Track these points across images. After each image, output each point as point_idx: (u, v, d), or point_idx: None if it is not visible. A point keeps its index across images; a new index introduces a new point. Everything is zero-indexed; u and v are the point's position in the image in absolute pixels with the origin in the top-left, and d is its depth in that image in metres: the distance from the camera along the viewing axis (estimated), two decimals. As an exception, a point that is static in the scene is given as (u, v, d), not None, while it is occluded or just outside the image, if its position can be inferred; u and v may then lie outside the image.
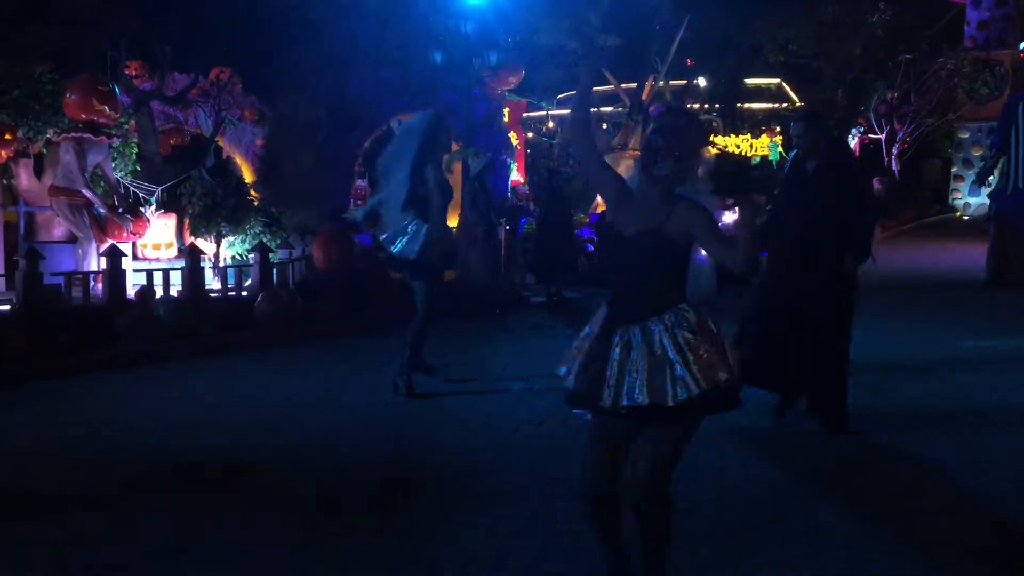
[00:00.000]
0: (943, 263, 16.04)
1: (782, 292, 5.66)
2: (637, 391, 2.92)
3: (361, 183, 18.55)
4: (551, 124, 31.69)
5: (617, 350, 2.99)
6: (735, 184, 3.24)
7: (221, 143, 15.52)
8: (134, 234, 11.64)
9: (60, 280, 9.77)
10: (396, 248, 6.53)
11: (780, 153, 24.93)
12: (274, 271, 11.16)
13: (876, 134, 32.50)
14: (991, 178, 13.61)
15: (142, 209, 12.15)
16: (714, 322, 3.03)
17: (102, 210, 11.10)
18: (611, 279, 3.20)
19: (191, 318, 9.35)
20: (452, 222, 12.32)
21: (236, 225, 12.32)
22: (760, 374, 5.50)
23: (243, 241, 12.49)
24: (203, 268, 10.77)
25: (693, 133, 3.10)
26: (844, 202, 5.61)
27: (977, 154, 28.74)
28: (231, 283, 11.27)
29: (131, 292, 10.15)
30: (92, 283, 10.33)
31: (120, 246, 10.51)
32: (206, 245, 12.15)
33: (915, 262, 16.96)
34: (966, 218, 27.59)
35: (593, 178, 3.41)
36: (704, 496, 4.47)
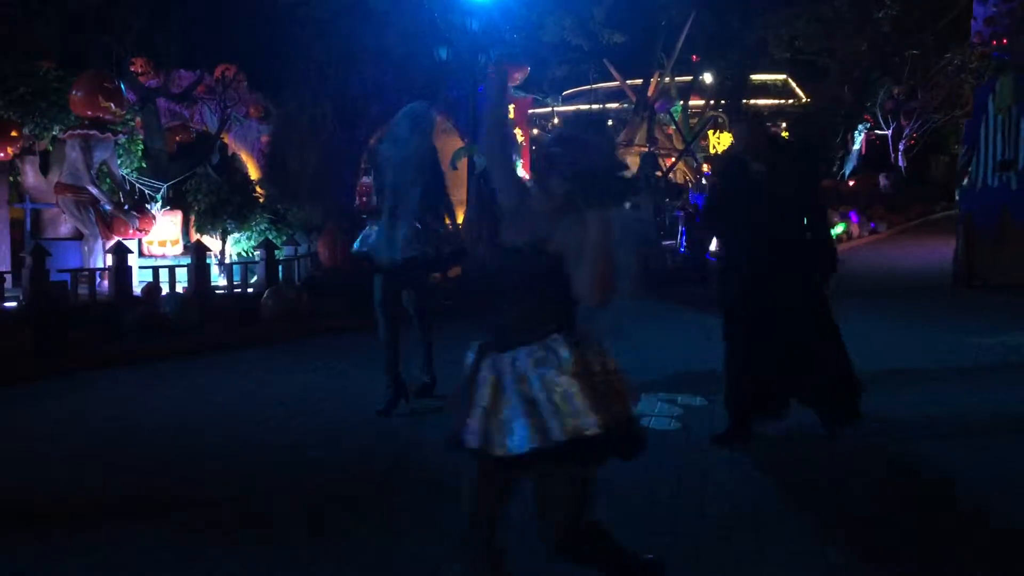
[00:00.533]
0: (949, 260, 15.95)
1: (749, 313, 5.21)
2: (507, 438, 2.56)
3: (366, 180, 18.56)
4: (556, 121, 31.74)
5: (486, 388, 2.61)
6: (600, 190, 2.48)
7: (226, 140, 15.56)
8: (140, 231, 11.69)
9: (66, 277, 9.81)
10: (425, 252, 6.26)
11: None
12: (280, 268, 11.19)
13: (883, 130, 32.48)
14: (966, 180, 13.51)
15: (148, 206, 12.20)
16: (600, 357, 2.57)
17: (108, 207, 11.14)
18: (489, 298, 2.75)
19: (197, 315, 9.38)
20: (458, 219, 12.32)
21: (242, 222, 12.37)
22: (760, 400, 5.33)
23: (249, 238, 12.53)
24: (209, 265, 10.82)
25: (600, 151, 2.58)
26: (805, 213, 5.16)
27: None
28: (237, 280, 11.31)
29: (137, 289, 10.19)
30: (98, 280, 10.38)
31: (126, 243, 10.56)
32: (212, 242, 12.19)
33: (919, 259, 16.90)
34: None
35: (501, 185, 2.88)
36: (707, 497, 4.47)
